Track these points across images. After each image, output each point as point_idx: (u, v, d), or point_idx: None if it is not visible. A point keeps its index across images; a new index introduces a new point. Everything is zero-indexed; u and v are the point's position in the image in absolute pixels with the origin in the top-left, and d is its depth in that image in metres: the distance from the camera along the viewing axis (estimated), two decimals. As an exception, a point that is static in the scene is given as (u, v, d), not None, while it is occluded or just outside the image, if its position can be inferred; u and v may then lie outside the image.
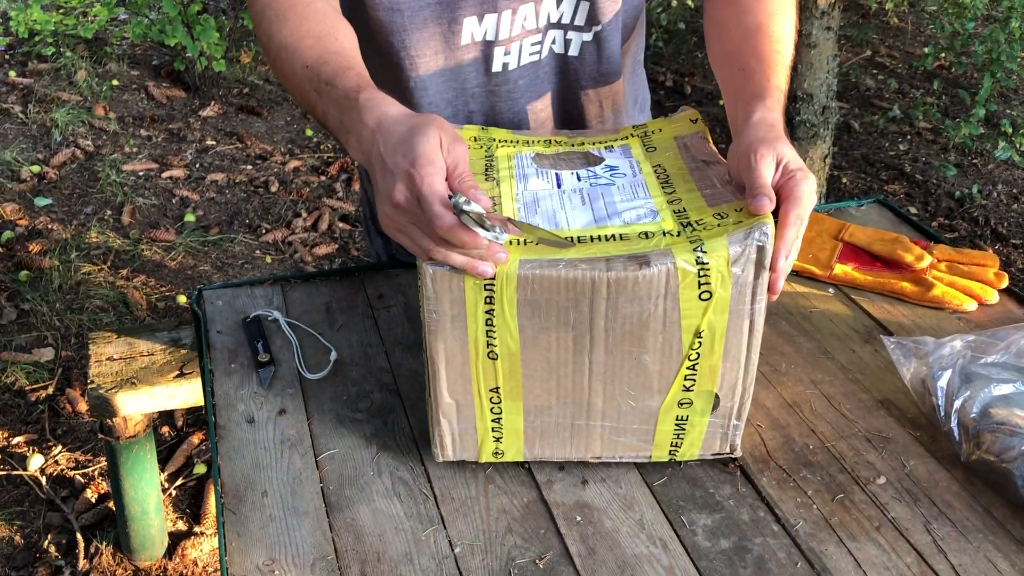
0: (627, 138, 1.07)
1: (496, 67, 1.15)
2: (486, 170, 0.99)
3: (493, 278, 0.83)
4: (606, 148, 1.04)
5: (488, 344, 0.88)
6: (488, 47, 1.13)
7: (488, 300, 0.85)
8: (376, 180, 0.85)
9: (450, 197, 0.80)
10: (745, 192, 0.88)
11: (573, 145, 1.06)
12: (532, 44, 1.15)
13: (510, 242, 0.86)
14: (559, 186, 0.96)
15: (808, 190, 0.87)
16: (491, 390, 0.91)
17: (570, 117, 1.25)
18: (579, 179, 0.97)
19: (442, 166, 0.81)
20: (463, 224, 0.78)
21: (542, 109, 1.22)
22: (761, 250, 0.84)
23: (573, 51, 1.17)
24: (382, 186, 0.84)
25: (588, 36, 1.16)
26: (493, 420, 0.93)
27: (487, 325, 0.86)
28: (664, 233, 0.87)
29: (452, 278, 0.84)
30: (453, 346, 0.88)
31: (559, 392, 0.91)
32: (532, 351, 0.88)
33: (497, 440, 0.95)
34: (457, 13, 1.09)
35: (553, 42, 1.16)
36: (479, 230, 0.79)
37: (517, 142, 1.06)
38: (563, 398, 0.92)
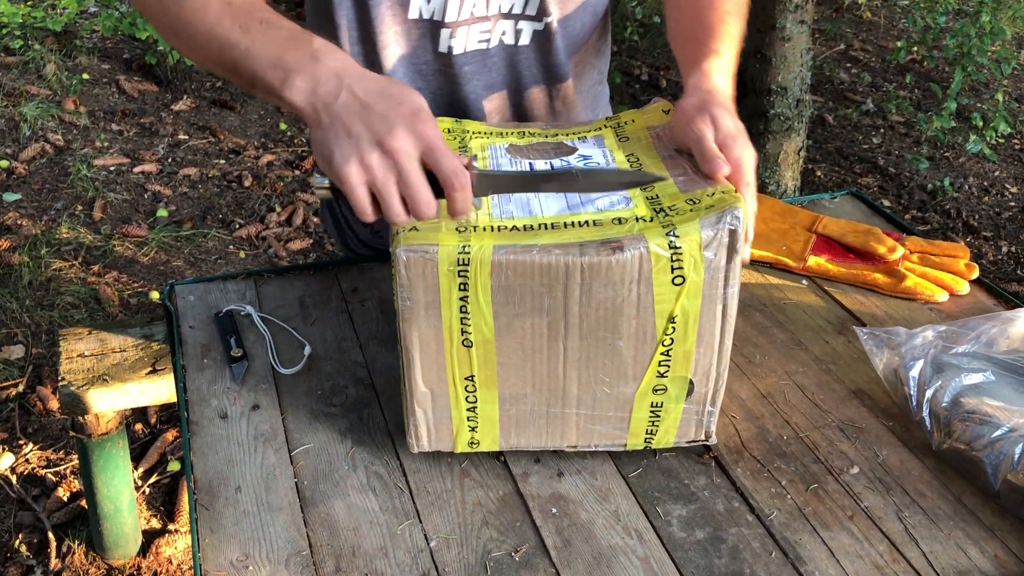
0: (600, 129, 1.07)
1: (442, 48, 1.14)
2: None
3: (467, 264, 0.83)
4: (579, 139, 1.04)
5: (463, 331, 0.87)
6: (435, 27, 1.11)
7: (462, 287, 0.85)
8: (345, 124, 0.80)
9: None
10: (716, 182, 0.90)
11: (547, 136, 1.06)
12: (481, 32, 1.14)
13: (484, 228, 0.86)
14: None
15: (747, 154, 0.92)
16: (466, 378, 0.91)
17: (520, 108, 1.24)
18: (553, 168, 0.97)
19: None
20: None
21: (493, 98, 1.20)
22: (733, 234, 0.84)
23: (523, 41, 1.16)
24: (368, 131, 0.79)
25: (539, 26, 1.15)
26: (468, 409, 0.93)
27: (461, 312, 0.86)
28: (637, 219, 0.87)
29: (426, 264, 0.84)
30: (427, 334, 0.88)
31: (534, 380, 0.91)
32: (507, 338, 0.88)
33: (472, 430, 0.95)
34: None
35: (503, 33, 1.15)
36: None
37: (491, 133, 1.06)
38: (538, 385, 0.92)
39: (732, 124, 0.94)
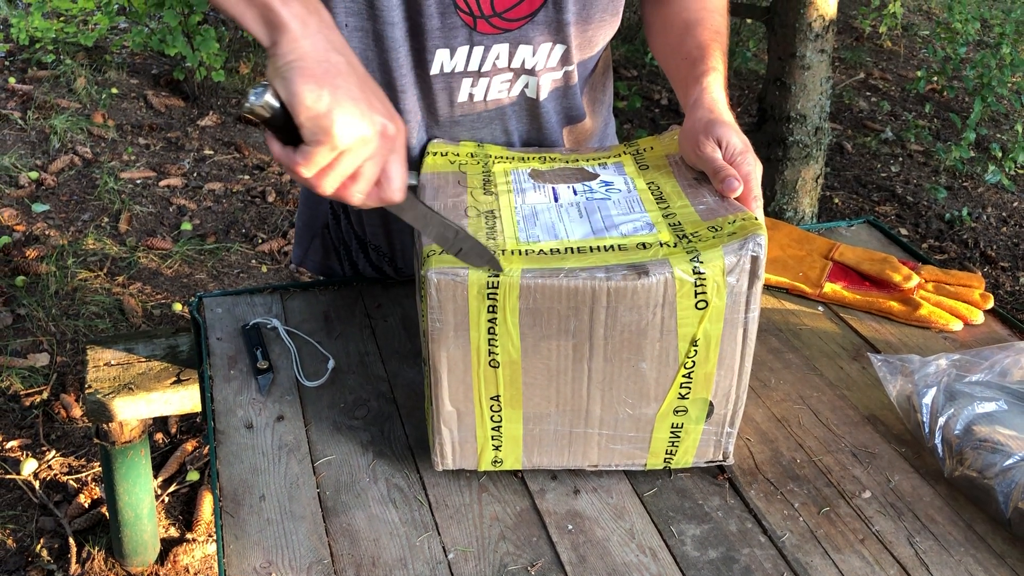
0: (619, 155, 1.10)
1: (462, 98, 1.13)
2: (484, 184, 1.02)
3: (496, 287, 0.86)
4: (600, 165, 1.07)
5: (490, 352, 0.90)
6: (456, 78, 1.12)
7: (491, 309, 0.87)
8: (348, 84, 0.80)
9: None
10: (737, 208, 0.93)
11: (567, 162, 1.08)
12: (501, 82, 1.14)
13: (512, 251, 0.89)
14: (556, 200, 0.99)
15: (755, 169, 0.97)
16: (492, 398, 0.93)
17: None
18: (575, 193, 1.00)
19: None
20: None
21: (511, 143, 1.20)
22: (755, 260, 0.86)
23: (543, 95, 1.16)
24: (367, 116, 0.80)
25: (558, 75, 1.16)
26: (493, 428, 0.95)
27: (489, 333, 0.88)
28: (661, 244, 0.89)
29: (456, 287, 0.86)
30: (455, 355, 0.90)
31: (558, 400, 0.93)
32: (533, 359, 0.90)
33: (496, 448, 0.97)
34: (430, 43, 1.08)
35: (525, 86, 1.15)
36: None
37: (513, 158, 1.09)
38: (562, 406, 0.94)
39: (738, 140, 0.97)
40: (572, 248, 0.90)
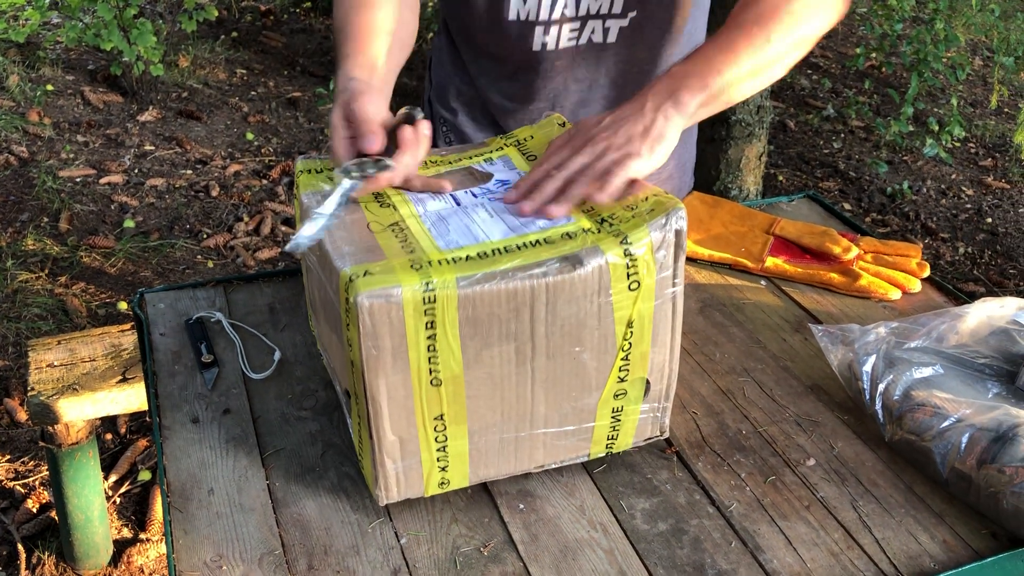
0: (503, 148, 1.07)
1: (535, 46, 1.23)
2: (375, 196, 0.97)
3: (433, 301, 0.82)
4: (486, 161, 1.05)
5: (431, 371, 0.86)
6: (529, 26, 1.21)
7: (429, 325, 0.83)
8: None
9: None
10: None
11: (451, 163, 1.05)
12: (571, 31, 1.22)
13: (439, 261, 0.85)
14: (457, 203, 0.96)
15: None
16: (435, 418, 0.89)
17: (607, 101, 1.31)
18: (475, 196, 0.98)
19: (341, 133, 0.98)
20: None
21: (580, 90, 1.29)
22: (679, 233, 0.87)
23: (611, 39, 1.24)
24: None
25: (624, 22, 1.22)
26: (438, 449, 0.91)
27: (429, 351, 0.85)
28: (585, 231, 0.89)
29: (391, 308, 0.81)
30: (395, 380, 0.85)
31: (503, 407, 0.91)
32: (475, 370, 0.87)
33: (443, 470, 0.93)
34: None
35: (592, 31, 1.23)
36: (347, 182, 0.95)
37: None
38: (507, 412, 0.91)
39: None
40: (498, 249, 0.87)
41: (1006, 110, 4.50)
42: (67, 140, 3.63)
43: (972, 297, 1.22)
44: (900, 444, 1.01)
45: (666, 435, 1.00)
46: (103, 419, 2.18)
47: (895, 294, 1.29)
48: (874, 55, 4.46)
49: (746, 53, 1.01)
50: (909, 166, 3.93)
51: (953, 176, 3.88)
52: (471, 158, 1.06)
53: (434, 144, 1.41)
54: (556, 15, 1.20)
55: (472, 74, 1.36)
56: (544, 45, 1.23)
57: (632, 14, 1.21)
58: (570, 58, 1.26)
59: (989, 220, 3.58)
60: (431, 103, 1.45)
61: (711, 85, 0.99)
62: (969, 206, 3.67)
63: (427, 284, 0.82)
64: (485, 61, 1.32)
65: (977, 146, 4.13)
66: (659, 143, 0.96)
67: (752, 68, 1.02)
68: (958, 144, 4.10)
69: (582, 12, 1.20)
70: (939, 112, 4.33)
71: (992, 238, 3.47)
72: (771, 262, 1.33)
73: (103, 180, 3.39)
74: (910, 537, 0.92)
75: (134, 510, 2.11)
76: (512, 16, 1.20)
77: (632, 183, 0.94)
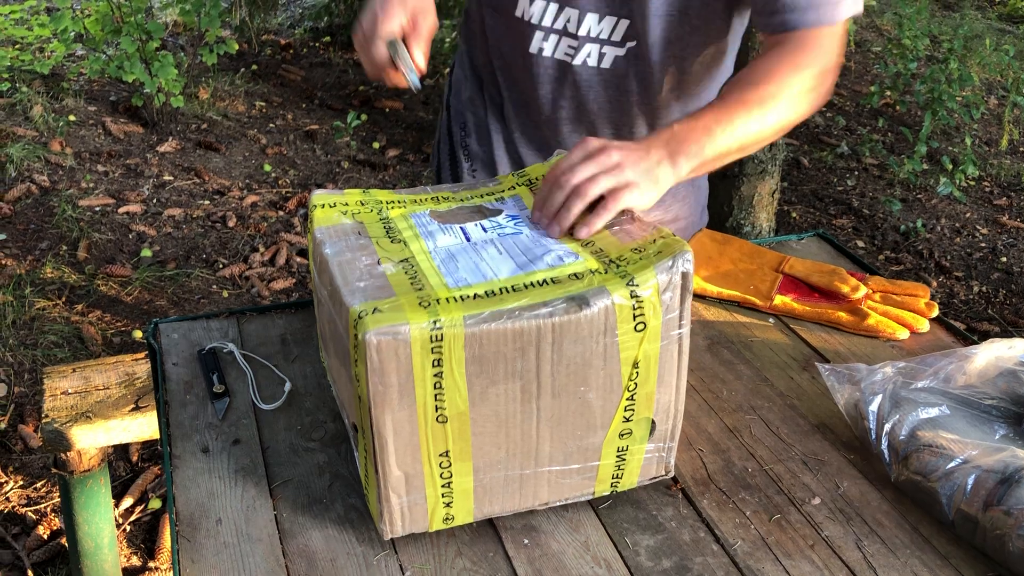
0: (514, 188, 1.08)
1: (532, 49, 1.28)
2: (387, 232, 0.99)
3: (440, 340, 0.83)
4: (497, 200, 1.06)
5: (437, 408, 0.87)
6: (530, 28, 1.27)
7: (436, 363, 0.84)
8: (365, 9, 1.15)
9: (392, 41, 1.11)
10: (650, 227, 0.97)
11: (463, 200, 1.06)
12: (568, 46, 1.26)
13: (447, 299, 0.86)
14: (468, 239, 0.97)
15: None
16: (441, 454, 0.90)
17: (581, 125, 1.35)
18: (485, 231, 0.98)
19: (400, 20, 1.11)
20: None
21: (565, 105, 1.33)
22: (685, 276, 0.88)
23: (605, 64, 1.27)
24: (370, 10, 1.14)
25: (621, 51, 1.25)
26: (443, 485, 0.92)
27: (435, 388, 0.85)
28: (592, 272, 0.90)
29: (398, 346, 0.82)
30: (401, 416, 0.86)
31: (508, 444, 0.91)
32: (481, 408, 0.88)
33: (447, 505, 0.93)
34: None
35: (588, 55, 1.26)
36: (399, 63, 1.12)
37: (405, 202, 1.06)
38: (512, 450, 0.92)
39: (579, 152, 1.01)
40: (506, 288, 0.88)
41: (1021, 149, 4.50)
42: (88, 170, 3.68)
43: (985, 336, 1.22)
44: (906, 484, 1.01)
45: (671, 474, 1.01)
46: (115, 447, 2.20)
47: (903, 334, 1.29)
48: (888, 93, 4.48)
49: (742, 128, 1.06)
50: (923, 204, 3.93)
51: (967, 215, 3.87)
52: (482, 196, 1.07)
53: (455, 170, 1.46)
54: (559, 25, 1.25)
55: (486, 94, 1.42)
56: (540, 50, 1.28)
57: (631, 44, 1.24)
58: (562, 71, 1.30)
59: (1004, 259, 3.57)
60: (450, 134, 1.50)
61: (705, 155, 1.05)
62: (984, 245, 3.66)
63: (435, 322, 0.83)
64: (497, 62, 1.37)
65: (992, 185, 4.13)
66: (654, 187, 1.01)
67: (742, 146, 1.08)
68: (972, 183, 4.10)
69: (582, 32, 1.25)
70: (953, 151, 4.33)
71: (1007, 277, 3.46)
72: (780, 300, 1.34)
73: (122, 209, 3.43)
74: (915, 578, 0.92)
75: (144, 538, 2.11)
76: (518, 13, 1.27)
77: (626, 211, 0.99)
